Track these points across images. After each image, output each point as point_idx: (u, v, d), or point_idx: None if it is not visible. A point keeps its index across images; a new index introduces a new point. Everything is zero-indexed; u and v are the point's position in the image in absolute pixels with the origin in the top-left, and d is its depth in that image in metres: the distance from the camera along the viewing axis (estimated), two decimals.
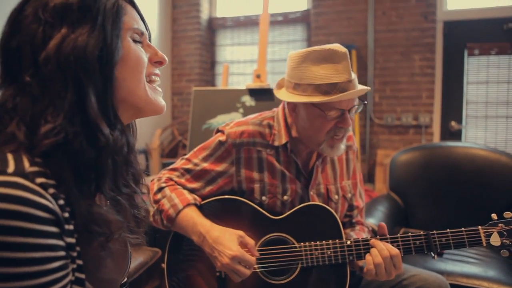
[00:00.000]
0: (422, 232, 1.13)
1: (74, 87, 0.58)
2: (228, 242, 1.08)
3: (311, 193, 1.27)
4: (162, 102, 0.70)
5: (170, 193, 1.20)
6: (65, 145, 0.57)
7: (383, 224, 1.16)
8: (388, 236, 1.16)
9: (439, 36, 3.50)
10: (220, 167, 1.23)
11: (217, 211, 1.22)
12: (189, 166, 1.24)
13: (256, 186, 1.23)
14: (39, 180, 0.54)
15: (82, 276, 0.61)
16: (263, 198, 1.23)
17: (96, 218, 0.61)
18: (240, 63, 4.23)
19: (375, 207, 2.22)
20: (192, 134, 2.51)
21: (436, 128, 3.56)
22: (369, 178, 3.66)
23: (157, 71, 0.71)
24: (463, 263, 1.87)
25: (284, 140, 1.23)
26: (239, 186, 1.24)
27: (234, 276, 1.09)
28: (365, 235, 1.34)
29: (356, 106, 1.16)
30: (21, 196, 0.51)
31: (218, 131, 1.29)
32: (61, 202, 0.56)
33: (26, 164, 0.55)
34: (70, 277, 0.59)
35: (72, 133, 0.57)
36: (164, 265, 1.25)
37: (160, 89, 0.71)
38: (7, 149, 0.56)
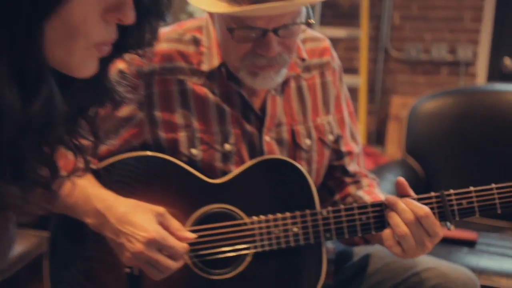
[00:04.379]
0: (433, 194, 1.15)
1: None
2: (141, 221, 1.09)
3: (267, 138, 1.28)
4: (92, 68, 0.72)
5: None
6: None
7: (402, 180, 1.17)
8: (383, 199, 1.18)
9: None
10: (122, 112, 1.23)
11: (122, 177, 1.22)
12: None
13: (181, 134, 1.24)
14: None
15: None
16: (193, 151, 1.24)
17: None
18: None
19: (383, 176, 2.25)
20: None
21: (482, 67, 3.64)
22: (378, 138, 3.76)
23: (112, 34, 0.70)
24: (503, 258, 1.94)
25: (217, 61, 1.24)
26: (155, 137, 1.25)
27: (152, 272, 1.10)
28: (379, 193, 1.38)
29: (291, 27, 1.13)
30: None
31: None
32: None
33: None
34: None
35: None
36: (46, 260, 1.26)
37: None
38: None
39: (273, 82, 1.21)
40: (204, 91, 1.25)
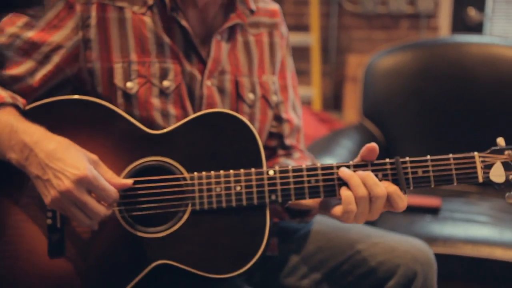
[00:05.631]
0: (387, 160, 1.17)
1: None
2: (72, 158, 1.10)
3: (208, 83, 1.33)
4: None
5: None
6: None
7: (372, 146, 1.16)
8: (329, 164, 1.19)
9: None
10: (56, 36, 1.26)
11: (51, 123, 1.22)
12: (3, 39, 1.25)
13: (117, 66, 1.28)
14: None
15: None
16: (129, 84, 1.28)
17: None
18: None
19: (337, 142, 2.28)
20: None
21: (444, 19, 3.69)
22: (335, 102, 3.79)
23: None
24: (468, 224, 2.01)
25: None
26: (90, 65, 1.28)
27: (78, 216, 1.11)
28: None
29: None
30: None
31: None
32: None
33: None
34: None
35: None
36: None
37: None
38: None
39: None
40: (144, 21, 1.29)
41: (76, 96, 1.25)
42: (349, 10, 3.74)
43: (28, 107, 1.24)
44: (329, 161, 2.10)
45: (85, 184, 1.08)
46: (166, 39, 1.29)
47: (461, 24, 3.69)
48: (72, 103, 1.25)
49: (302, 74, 3.60)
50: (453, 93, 2.43)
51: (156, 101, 1.28)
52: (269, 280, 1.42)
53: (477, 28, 3.68)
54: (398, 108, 2.48)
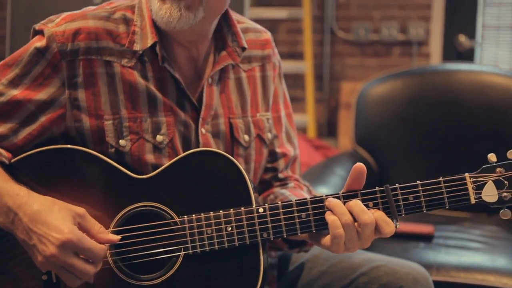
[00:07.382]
0: (377, 188, 1.17)
1: None
2: (55, 220, 1.09)
3: (203, 130, 1.31)
4: None
5: None
6: None
7: (359, 167, 1.15)
8: (322, 196, 1.19)
9: None
10: (42, 94, 1.24)
11: (39, 173, 1.23)
12: None
13: (108, 123, 1.26)
14: None
15: None
16: (122, 142, 1.26)
17: None
18: None
19: (331, 170, 2.31)
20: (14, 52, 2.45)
21: (436, 46, 3.73)
22: (329, 129, 3.81)
23: None
24: (461, 250, 2.03)
25: (150, 40, 1.26)
26: (79, 126, 1.26)
27: (68, 278, 1.11)
28: (306, 194, 1.40)
29: None
30: None
31: (35, 32, 1.27)
32: None
33: None
34: None
35: None
36: None
37: None
38: None
39: (181, 17, 1.20)
40: (134, 75, 1.27)
41: (54, 146, 1.24)
42: (342, 37, 3.78)
43: (15, 158, 1.23)
44: (323, 190, 2.12)
45: (70, 247, 1.08)
46: (158, 94, 1.28)
47: (452, 50, 3.74)
48: (60, 153, 1.24)
49: (296, 101, 3.62)
50: (444, 120, 2.47)
51: (150, 157, 1.27)
52: None
53: (468, 54, 3.73)
54: (390, 135, 2.52)
